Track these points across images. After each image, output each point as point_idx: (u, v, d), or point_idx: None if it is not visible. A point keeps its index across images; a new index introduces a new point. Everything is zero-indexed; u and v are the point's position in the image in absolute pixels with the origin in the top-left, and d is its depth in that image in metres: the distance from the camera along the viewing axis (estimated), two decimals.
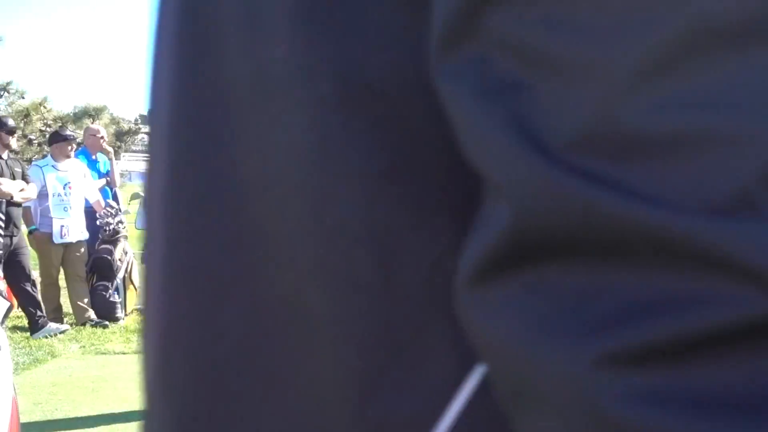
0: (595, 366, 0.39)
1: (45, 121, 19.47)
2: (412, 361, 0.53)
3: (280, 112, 0.55)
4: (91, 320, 10.11)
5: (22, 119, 19.11)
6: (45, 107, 19.38)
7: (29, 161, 19.55)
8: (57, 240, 10.11)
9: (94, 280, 10.51)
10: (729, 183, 0.37)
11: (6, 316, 3.65)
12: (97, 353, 8.62)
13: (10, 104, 20.22)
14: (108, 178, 11.45)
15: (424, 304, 0.53)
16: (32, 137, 19.62)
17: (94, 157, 11.30)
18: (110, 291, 10.39)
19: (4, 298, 3.70)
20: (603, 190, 0.39)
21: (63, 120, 19.53)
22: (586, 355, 0.39)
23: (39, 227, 10.12)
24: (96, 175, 11.17)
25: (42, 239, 10.18)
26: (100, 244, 10.59)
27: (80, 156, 11.23)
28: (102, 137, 11.50)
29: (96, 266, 10.54)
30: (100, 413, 6.15)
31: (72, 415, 6.10)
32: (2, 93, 20.28)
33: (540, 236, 0.41)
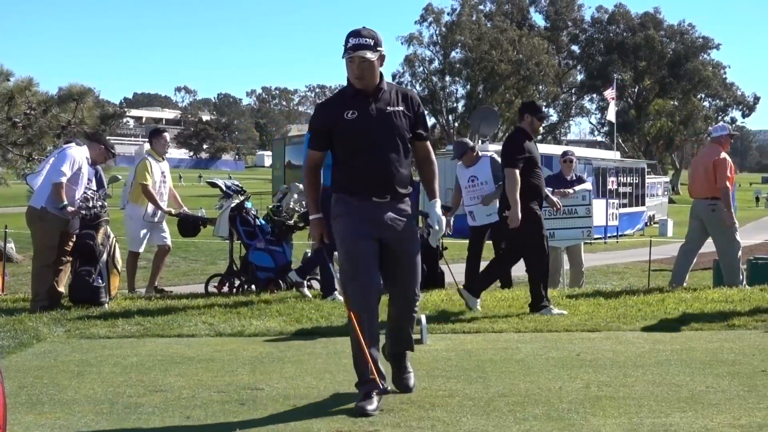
0: None
1: (30, 104, 19.31)
2: None
3: None
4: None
5: (7, 102, 18.94)
6: (30, 90, 19.20)
7: (14, 144, 19.44)
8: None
9: (77, 265, 10.51)
10: None
11: None
12: (81, 337, 8.64)
13: None
14: None
15: None
16: (17, 120, 19.46)
17: None
18: (93, 276, 10.39)
19: None
20: None
21: (47, 103, 19.37)
22: None
23: (50, 210, 10.28)
24: None
25: (57, 221, 10.35)
26: (82, 229, 10.57)
27: None
28: None
29: (79, 251, 10.54)
30: (85, 396, 6.18)
31: (57, 399, 6.12)
32: None
33: None
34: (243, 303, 10.41)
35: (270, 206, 12.74)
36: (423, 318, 8.38)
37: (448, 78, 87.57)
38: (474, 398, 5.97)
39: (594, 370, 6.84)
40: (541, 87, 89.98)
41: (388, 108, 5.98)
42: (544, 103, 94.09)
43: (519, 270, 11.86)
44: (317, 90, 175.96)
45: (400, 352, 6.33)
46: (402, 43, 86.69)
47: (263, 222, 12.05)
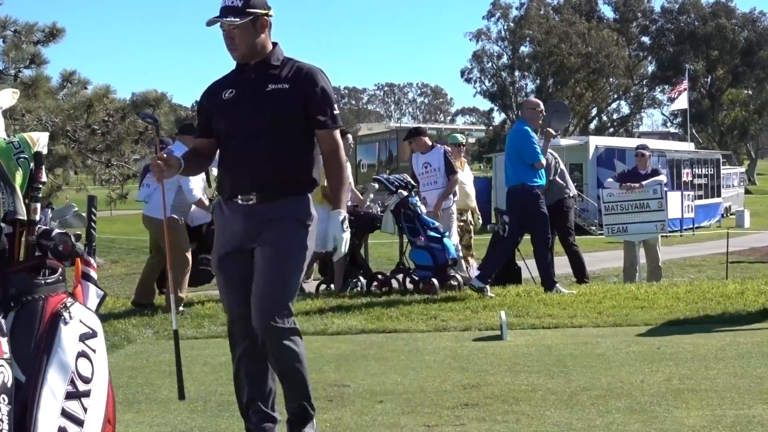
0: None
1: (108, 111, 19.76)
2: None
3: None
4: None
5: (86, 110, 19.41)
6: (107, 97, 19.67)
7: (93, 151, 19.91)
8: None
9: (196, 252, 11.01)
10: None
11: (100, 304, 3.89)
12: (170, 338, 8.86)
13: (73, 94, 20.53)
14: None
15: None
16: (96, 127, 19.93)
17: (536, 130, 11.26)
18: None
19: (99, 287, 3.93)
20: None
21: (125, 110, 19.84)
22: None
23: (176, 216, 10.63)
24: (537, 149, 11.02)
25: (183, 225, 10.82)
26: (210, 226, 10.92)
27: (521, 125, 11.21)
28: (541, 111, 11.45)
29: (199, 239, 11.09)
30: None
31: (153, 397, 6.36)
32: (66, 84, 20.62)
33: None
34: (323, 302, 10.58)
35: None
36: (502, 314, 8.48)
37: (517, 73, 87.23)
38: (557, 392, 6.06)
39: (675, 364, 6.88)
40: (611, 79, 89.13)
41: (270, 86, 4.80)
42: (615, 96, 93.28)
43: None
44: (386, 89, 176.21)
45: (292, 411, 4.91)
46: (470, 39, 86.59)
47: (426, 217, 11.73)
